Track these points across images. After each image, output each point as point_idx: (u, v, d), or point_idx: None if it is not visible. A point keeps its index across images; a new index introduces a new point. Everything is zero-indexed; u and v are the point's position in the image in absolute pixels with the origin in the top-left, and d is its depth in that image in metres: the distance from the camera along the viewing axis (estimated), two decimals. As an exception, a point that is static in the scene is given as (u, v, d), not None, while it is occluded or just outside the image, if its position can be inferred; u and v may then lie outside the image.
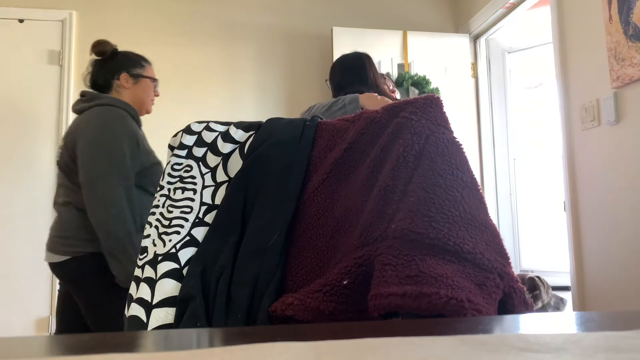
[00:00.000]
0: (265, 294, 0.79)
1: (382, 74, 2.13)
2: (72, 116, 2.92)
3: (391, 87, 2.11)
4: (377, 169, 0.82)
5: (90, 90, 1.71)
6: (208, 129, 1.01)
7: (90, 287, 1.60)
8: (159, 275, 0.86)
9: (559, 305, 2.15)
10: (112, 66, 1.69)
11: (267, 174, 0.92)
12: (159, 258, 0.88)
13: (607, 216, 2.00)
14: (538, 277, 2.13)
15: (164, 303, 0.83)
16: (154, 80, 1.80)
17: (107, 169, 1.55)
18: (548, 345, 0.34)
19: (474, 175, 0.77)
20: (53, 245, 1.63)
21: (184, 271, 0.86)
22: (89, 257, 1.58)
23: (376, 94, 1.79)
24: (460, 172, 0.76)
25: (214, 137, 1.00)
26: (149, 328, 0.81)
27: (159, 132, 2.88)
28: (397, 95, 2.17)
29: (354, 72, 1.90)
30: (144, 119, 2.94)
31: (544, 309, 2.12)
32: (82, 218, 1.60)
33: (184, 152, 0.99)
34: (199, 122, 1.03)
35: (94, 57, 1.70)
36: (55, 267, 1.63)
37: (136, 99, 1.75)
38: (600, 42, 2.04)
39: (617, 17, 1.92)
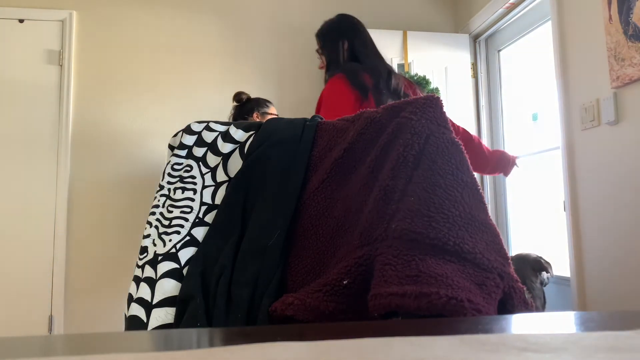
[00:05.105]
0: (265, 294, 0.79)
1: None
2: (72, 117, 2.92)
3: None
4: (377, 169, 0.82)
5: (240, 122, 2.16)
6: (208, 129, 1.01)
7: None
8: (159, 275, 0.85)
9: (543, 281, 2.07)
10: (247, 108, 2.29)
11: (267, 174, 0.92)
12: (159, 258, 0.87)
13: (607, 216, 2.00)
14: (542, 258, 2.07)
15: (164, 303, 0.83)
16: (276, 116, 2.29)
17: None
18: (548, 345, 0.34)
19: (473, 175, 0.77)
20: None
21: (184, 271, 0.86)
22: None
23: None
24: (460, 172, 0.76)
25: (214, 137, 1.00)
26: (149, 328, 0.81)
27: (159, 132, 2.88)
28: None
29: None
30: (145, 119, 2.94)
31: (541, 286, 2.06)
32: None
33: (184, 152, 0.99)
34: (199, 122, 1.03)
35: (235, 103, 2.31)
36: None
37: None
38: (600, 42, 2.04)
39: (617, 17, 1.91)
